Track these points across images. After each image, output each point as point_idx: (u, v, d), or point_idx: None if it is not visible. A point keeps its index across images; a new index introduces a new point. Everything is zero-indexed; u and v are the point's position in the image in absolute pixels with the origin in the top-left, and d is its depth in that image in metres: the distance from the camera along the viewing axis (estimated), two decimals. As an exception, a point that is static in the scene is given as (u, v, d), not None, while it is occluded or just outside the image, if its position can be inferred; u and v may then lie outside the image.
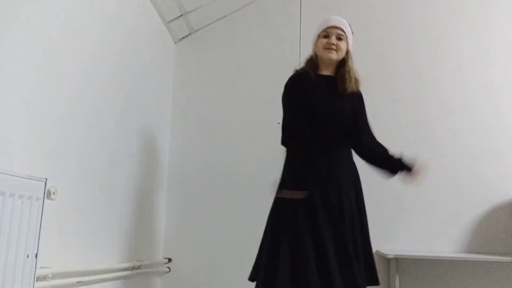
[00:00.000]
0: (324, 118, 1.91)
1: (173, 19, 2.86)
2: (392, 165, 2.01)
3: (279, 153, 2.85)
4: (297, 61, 2.92)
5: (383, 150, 2.05)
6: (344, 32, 2.01)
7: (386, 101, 2.85)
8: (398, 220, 2.69)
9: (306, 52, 3.01)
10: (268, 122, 2.82)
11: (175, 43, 3.10)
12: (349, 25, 2.05)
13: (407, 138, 2.77)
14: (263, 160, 2.85)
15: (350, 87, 1.97)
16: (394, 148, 2.74)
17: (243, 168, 2.86)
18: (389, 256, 2.38)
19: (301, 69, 2.07)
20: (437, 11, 2.92)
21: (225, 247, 2.79)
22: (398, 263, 2.52)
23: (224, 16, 3.10)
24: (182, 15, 2.87)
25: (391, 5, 2.98)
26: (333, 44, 1.97)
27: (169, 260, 2.82)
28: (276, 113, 2.89)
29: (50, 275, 1.51)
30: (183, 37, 3.11)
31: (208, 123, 2.99)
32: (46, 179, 1.35)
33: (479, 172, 2.67)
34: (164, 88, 2.94)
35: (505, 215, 2.60)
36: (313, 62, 2.05)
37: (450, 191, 2.67)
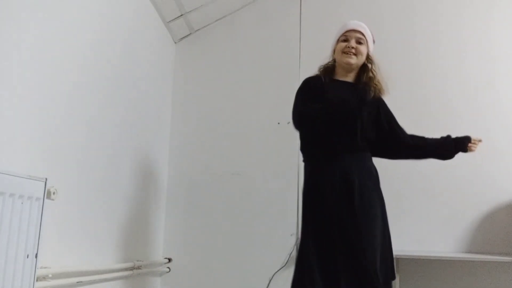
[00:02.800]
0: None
1: (173, 19, 2.86)
2: (447, 148, 1.96)
3: (280, 153, 2.86)
4: (297, 61, 2.94)
5: (425, 140, 1.98)
6: (364, 36, 1.91)
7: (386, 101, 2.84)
8: (398, 219, 2.68)
9: (306, 52, 3.01)
10: (268, 122, 2.82)
11: (175, 43, 3.10)
12: (371, 33, 1.96)
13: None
14: (263, 160, 2.85)
15: (372, 95, 1.87)
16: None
17: (243, 168, 2.86)
18: (389, 256, 2.38)
19: (314, 75, 1.98)
20: (440, 10, 2.91)
21: (225, 247, 2.79)
22: (398, 263, 2.52)
23: (224, 16, 3.10)
24: (182, 15, 2.87)
25: (394, 4, 2.96)
26: (353, 48, 1.87)
27: (169, 260, 2.81)
28: (276, 113, 2.91)
29: (50, 275, 1.51)
30: (183, 37, 3.11)
31: (208, 123, 2.99)
32: (46, 179, 1.35)
33: (479, 172, 2.67)
34: (164, 88, 2.94)
35: (505, 215, 2.60)
36: (328, 67, 1.97)
37: (450, 191, 2.67)
